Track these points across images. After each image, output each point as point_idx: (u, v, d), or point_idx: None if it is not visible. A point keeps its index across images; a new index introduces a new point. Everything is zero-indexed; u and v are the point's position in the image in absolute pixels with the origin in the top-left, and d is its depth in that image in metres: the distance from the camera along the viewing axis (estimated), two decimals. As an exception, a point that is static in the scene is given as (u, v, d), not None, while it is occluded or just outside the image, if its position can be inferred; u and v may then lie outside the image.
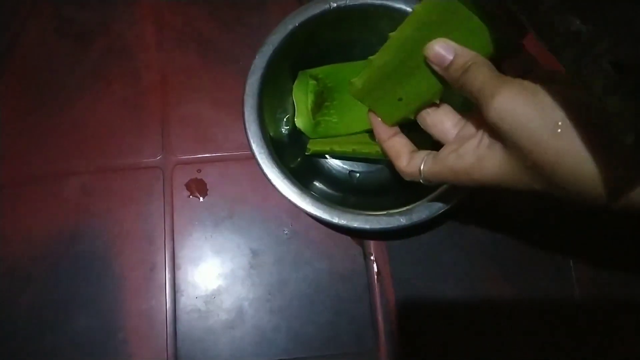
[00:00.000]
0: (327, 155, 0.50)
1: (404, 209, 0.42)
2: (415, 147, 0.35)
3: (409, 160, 0.34)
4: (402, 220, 0.41)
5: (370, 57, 0.33)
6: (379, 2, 0.45)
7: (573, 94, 0.24)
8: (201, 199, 0.48)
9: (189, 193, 0.48)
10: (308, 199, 0.42)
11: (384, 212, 0.42)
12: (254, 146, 0.43)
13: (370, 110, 0.36)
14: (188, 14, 0.52)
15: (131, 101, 0.50)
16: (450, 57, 0.29)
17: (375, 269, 0.47)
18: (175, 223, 0.48)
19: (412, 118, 0.34)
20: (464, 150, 0.30)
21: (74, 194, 0.48)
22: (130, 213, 0.48)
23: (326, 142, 0.47)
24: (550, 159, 0.24)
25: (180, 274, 0.47)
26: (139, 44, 0.52)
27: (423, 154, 0.33)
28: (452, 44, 0.29)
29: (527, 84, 0.26)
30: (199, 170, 0.49)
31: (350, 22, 0.46)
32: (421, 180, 0.33)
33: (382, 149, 0.36)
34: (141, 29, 0.52)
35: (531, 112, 0.24)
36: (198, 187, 0.48)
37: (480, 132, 0.29)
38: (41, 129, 0.50)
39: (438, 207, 0.41)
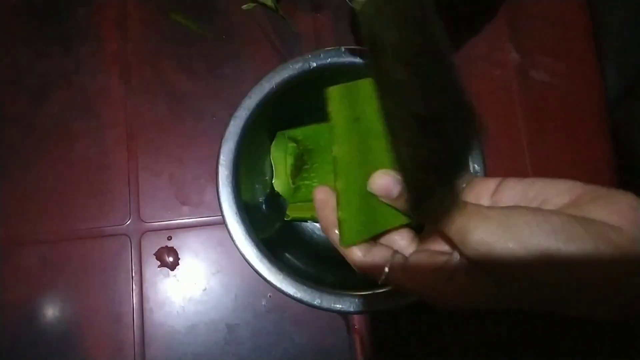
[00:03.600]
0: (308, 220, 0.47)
1: (390, 287, 0.39)
2: None
3: (366, 250, 0.29)
4: (388, 302, 0.39)
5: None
6: (360, 61, 0.42)
7: (544, 218, 0.22)
8: (172, 269, 0.45)
9: (159, 263, 0.45)
10: (289, 280, 0.39)
11: (369, 292, 0.39)
12: (229, 223, 0.40)
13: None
14: (157, 64, 0.48)
15: (95, 161, 0.47)
16: (397, 188, 0.27)
17: (360, 343, 0.44)
18: (144, 296, 0.44)
19: None
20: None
21: (33, 265, 0.45)
22: (95, 286, 0.44)
23: (306, 209, 0.44)
24: (542, 286, 0.23)
25: (150, 353, 0.43)
26: (104, 97, 0.48)
27: (387, 252, 0.29)
28: (394, 174, 0.27)
29: (495, 214, 0.24)
30: (169, 238, 0.45)
31: (331, 81, 0.43)
32: (379, 281, 0.29)
33: (324, 227, 0.30)
34: (106, 81, 0.48)
35: (510, 245, 0.23)
36: (169, 256, 0.45)
37: (457, 257, 0.26)
38: (-4, 192, 0.46)
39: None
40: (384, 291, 0.39)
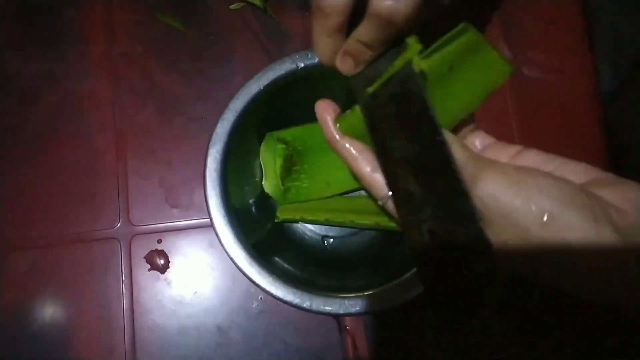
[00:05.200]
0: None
1: (379, 289, 0.39)
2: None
3: (375, 167, 0.28)
4: (379, 304, 0.38)
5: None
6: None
7: (555, 183, 0.23)
8: (163, 272, 0.45)
9: (149, 266, 0.45)
10: (278, 283, 0.39)
11: (360, 294, 0.39)
12: (218, 227, 0.39)
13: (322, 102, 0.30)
14: (145, 66, 0.48)
15: (84, 165, 0.46)
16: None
17: (352, 344, 0.44)
18: (135, 300, 0.44)
19: None
20: None
21: (23, 270, 0.44)
22: (86, 290, 0.44)
23: (297, 210, 0.44)
24: (535, 249, 0.23)
25: (141, 357, 0.43)
26: (91, 100, 0.48)
27: None
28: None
29: (508, 169, 0.24)
30: (159, 241, 0.45)
31: (319, 81, 0.43)
32: (380, 202, 0.28)
33: (335, 149, 0.29)
34: (93, 84, 0.48)
35: (516, 201, 0.23)
36: (159, 259, 0.45)
37: None
38: (-15, 197, 0.46)
39: (417, 289, 0.38)
40: (374, 293, 0.39)
